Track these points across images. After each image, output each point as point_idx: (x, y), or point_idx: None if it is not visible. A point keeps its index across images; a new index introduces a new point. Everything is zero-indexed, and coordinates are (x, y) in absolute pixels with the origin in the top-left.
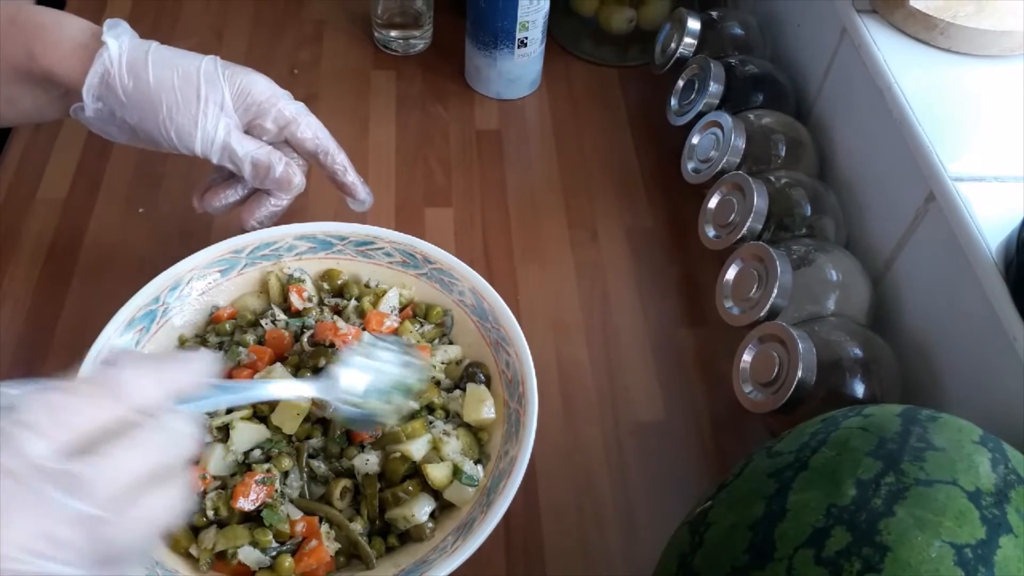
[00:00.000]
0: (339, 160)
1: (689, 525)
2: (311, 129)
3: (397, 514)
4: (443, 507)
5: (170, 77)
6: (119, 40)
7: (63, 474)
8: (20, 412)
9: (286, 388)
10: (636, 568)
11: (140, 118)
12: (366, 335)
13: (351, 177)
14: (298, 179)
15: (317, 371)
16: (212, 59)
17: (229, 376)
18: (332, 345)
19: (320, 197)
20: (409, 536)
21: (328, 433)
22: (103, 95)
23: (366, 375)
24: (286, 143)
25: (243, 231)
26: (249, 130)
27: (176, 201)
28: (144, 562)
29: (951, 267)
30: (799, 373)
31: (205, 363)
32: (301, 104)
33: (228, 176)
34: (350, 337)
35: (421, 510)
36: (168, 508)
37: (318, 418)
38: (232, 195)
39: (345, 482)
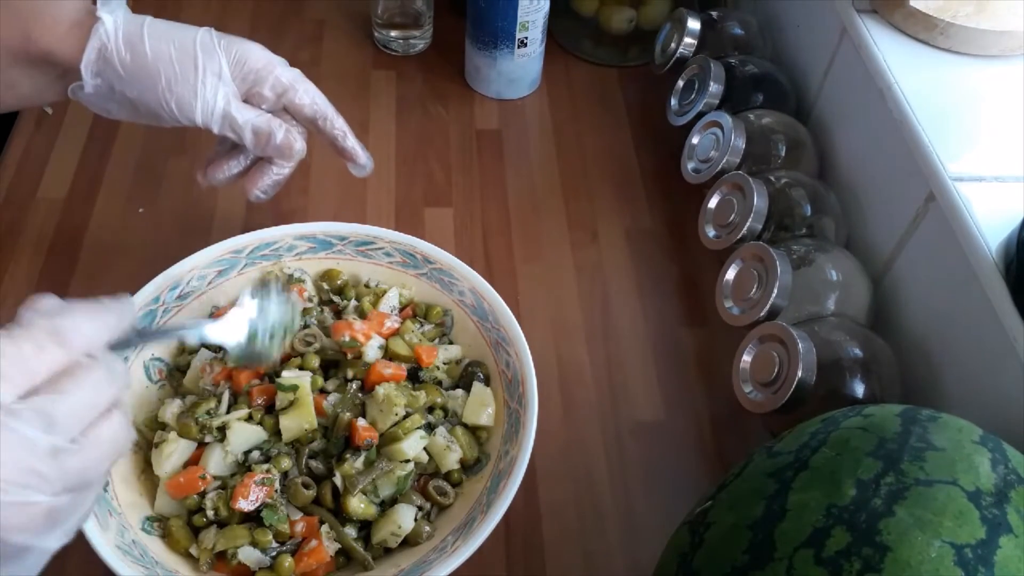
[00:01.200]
0: (338, 125)
1: (689, 525)
2: (308, 95)
3: (385, 533)
4: (439, 508)
5: (167, 49)
6: (113, 15)
7: (33, 413)
8: None
9: (196, 335)
10: (636, 568)
11: (140, 91)
12: (252, 285)
13: (351, 142)
14: (299, 145)
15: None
16: (207, 30)
17: (228, 377)
18: (352, 342)
19: (320, 197)
20: (407, 539)
21: (328, 436)
22: (101, 70)
23: (257, 318)
24: (285, 111)
25: (245, 222)
26: (248, 99)
27: (176, 201)
28: (101, 489)
29: (951, 267)
30: (799, 373)
31: (128, 308)
32: (297, 71)
33: (230, 148)
34: (360, 335)
35: (405, 519)
36: (117, 434)
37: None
38: (235, 166)
39: (334, 483)
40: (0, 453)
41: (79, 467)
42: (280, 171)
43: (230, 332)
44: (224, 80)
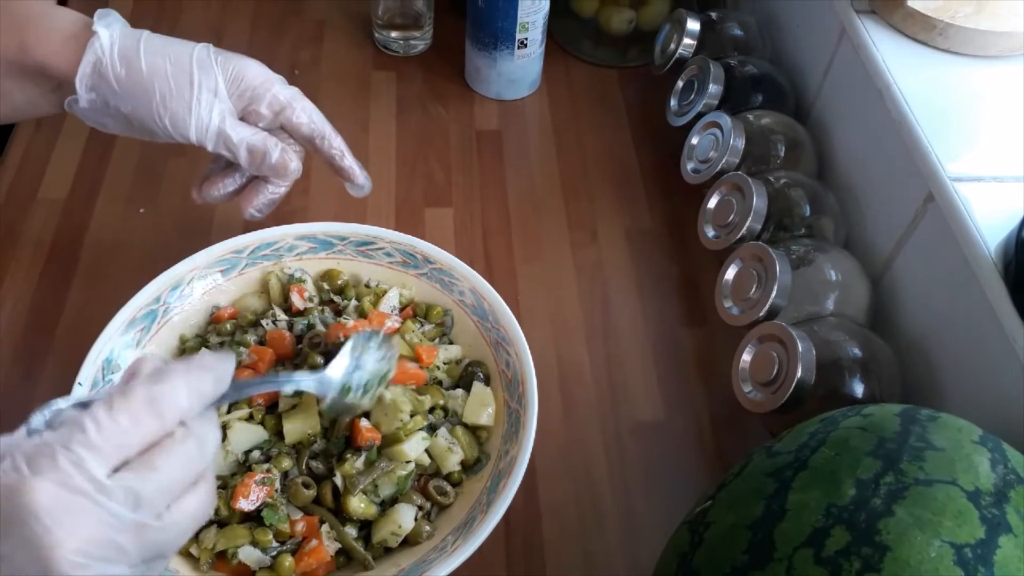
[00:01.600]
0: (335, 144)
1: (689, 525)
2: (306, 113)
3: (385, 532)
4: (439, 508)
5: (163, 65)
6: (110, 29)
7: (123, 490)
8: (79, 433)
9: (292, 385)
10: (636, 568)
11: (134, 107)
12: (356, 335)
13: (348, 161)
14: (294, 164)
15: (319, 363)
16: (205, 46)
17: None
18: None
19: (320, 197)
20: (407, 539)
21: (329, 436)
22: (96, 85)
23: (353, 370)
24: (282, 129)
25: (245, 222)
26: (244, 116)
27: (177, 201)
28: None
29: (950, 267)
30: (798, 373)
31: (228, 368)
32: (295, 89)
33: (226, 165)
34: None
35: (405, 519)
36: (201, 509)
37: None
38: (230, 184)
39: (335, 483)
40: (78, 525)
41: (160, 541)
42: (276, 190)
43: (325, 384)
44: (220, 97)
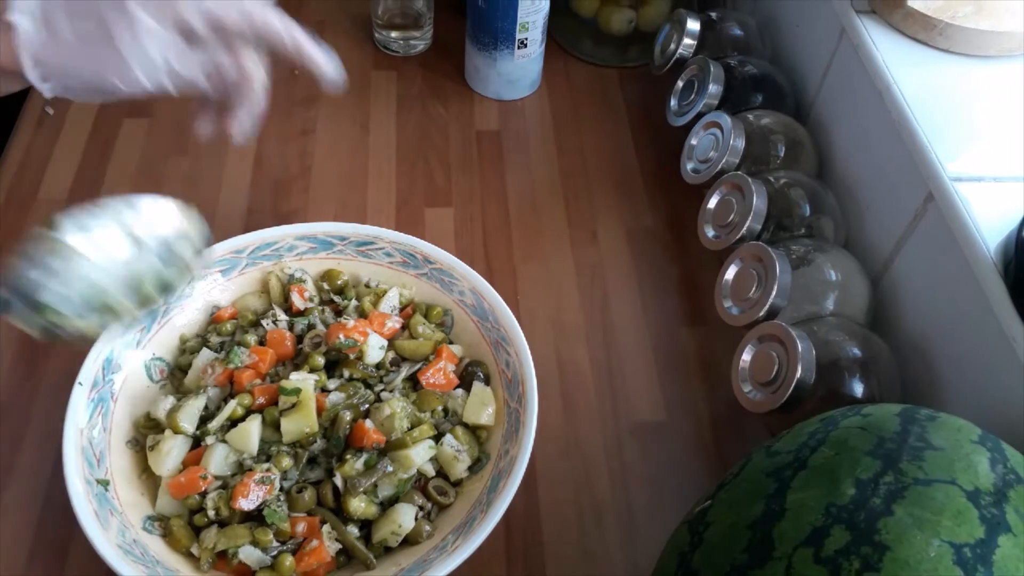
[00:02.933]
0: (286, 32)
1: (688, 524)
2: (240, 14)
3: (385, 532)
4: (440, 507)
5: (86, 26)
6: (30, 13)
7: None
8: None
9: None
10: (636, 568)
11: (86, 78)
12: (61, 215)
13: (307, 48)
14: (257, 74)
15: (320, 364)
16: None
17: (230, 378)
18: (348, 342)
19: (320, 197)
20: (408, 538)
21: (328, 436)
22: (46, 75)
23: (74, 272)
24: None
25: (245, 222)
26: (191, 42)
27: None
28: None
29: (950, 267)
30: (798, 373)
31: None
32: None
33: (204, 98)
34: (356, 332)
35: (406, 518)
36: None
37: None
38: (213, 113)
39: (335, 483)
40: None
41: None
42: (251, 106)
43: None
44: (156, 37)
